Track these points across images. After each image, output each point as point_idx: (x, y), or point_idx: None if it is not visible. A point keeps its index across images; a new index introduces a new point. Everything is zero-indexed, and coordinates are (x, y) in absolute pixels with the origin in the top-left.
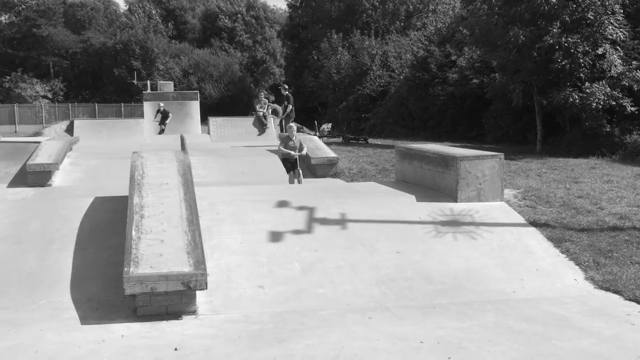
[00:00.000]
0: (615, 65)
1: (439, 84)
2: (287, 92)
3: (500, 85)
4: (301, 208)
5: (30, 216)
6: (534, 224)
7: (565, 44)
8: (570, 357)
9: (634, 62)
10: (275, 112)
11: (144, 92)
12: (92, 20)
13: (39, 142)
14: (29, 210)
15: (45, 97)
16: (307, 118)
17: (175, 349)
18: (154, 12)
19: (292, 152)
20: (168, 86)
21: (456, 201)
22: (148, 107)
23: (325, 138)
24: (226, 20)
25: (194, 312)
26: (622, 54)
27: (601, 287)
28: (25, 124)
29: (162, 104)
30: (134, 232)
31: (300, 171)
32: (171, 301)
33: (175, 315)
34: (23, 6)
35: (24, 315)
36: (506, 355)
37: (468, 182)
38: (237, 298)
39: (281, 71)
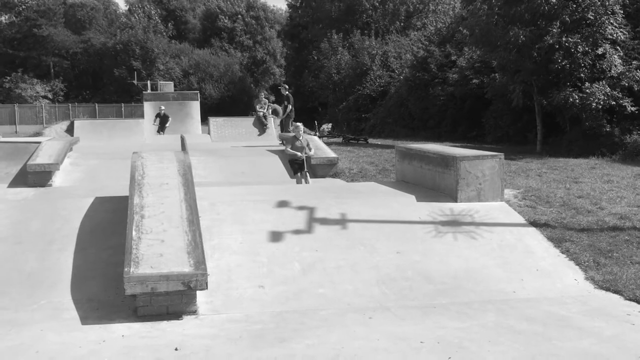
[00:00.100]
0: (615, 65)
1: (439, 84)
2: (287, 92)
3: (500, 85)
4: (301, 208)
5: (30, 216)
6: (534, 224)
7: (566, 44)
8: (571, 357)
9: (634, 62)
10: (275, 112)
11: (144, 92)
12: (92, 21)
13: (39, 143)
14: (30, 211)
15: (45, 97)
16: (307, 118)
17: (176, 349)
18: (153, 12)
19: (299, 154)
20: (168, 86)
21: (456, 201)
22: (148, 108)
23: (325, 138)
24: (226, 21)
25: (194, 312)
26: (622, 54)
27: (601, 287)
28: (25, 124)
29: (163, 107)
30: (134, 232)
31: (308, 173)
32: (172, 301)
33: (176, 315)
34: (23, 6)
35: (24, 316)
36: (506, 355)
37: (468, 182)
38: (238, 298)
39: (281, 71)
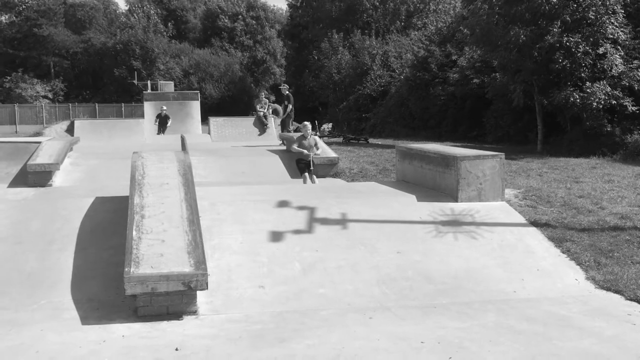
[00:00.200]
0: (616, 65)
1: (439, 83)
2: (287, 92)
3: (501, 85)
4: (302, 208)
5: (31, 216)
6: (534, 223)
7: (566, 44)
8: (571, 357)
9: (634, 62)
10: (275, 112)
11: (144, 92)
12: (92, 20)
13: (39, 142)
14: (30, 211)
15: (45, 97)
16: (308, 118)
17: (176, 349)
18: (152, 12)
19: (306, 151)
20: (168, 86)
21: (457, 201)
22: (149, 107)
23: (325, 138)
24: (226, 20)
25: (194, 312)
26: (622, 53)
27: (602, 287)
28: (25, 124)
29: (164, 107)
30: (134, 232)
31: (315, 175)
32: (172, 301)
33: (176, 315)
34: (24, 6)
35: (24, 316)
36: (507, 355)
37: (469, 182)
38: (238, 298)
39: (282, 71)
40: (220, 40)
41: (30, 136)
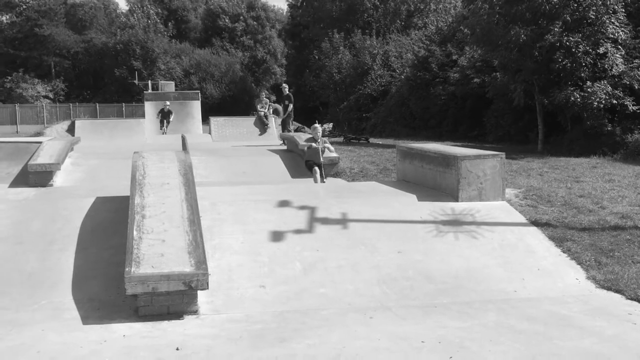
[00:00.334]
0: (617, 64)
1: (440, 83)
2: (287, 92)
3: (501, 84)
4: (302, 208)
5: (31, 216)
6: (535, 223)
7: (567, 43)
8: (572, 356)
9: (635, 61)
10: (276, 112)
11: (145, 92)
12: (93, 20)
13: (40, 142)
14: (31, 211)
15: (46, 97)
16: (308, 118)
17: (177, 349)
18: (151, 11)
19: (314, 144)
20: (169, 86)
21: (457, 200)
22: (149, 107)
23: (326, 138)
24: (227, 20)
25: (195, 312)
26: (623, 52)
27: (603, 287)
28: (26, 124)
29: (168, 103)
30: (135, 232)
31: (324, 173)
32: (173, 301)
33: (177, 315)
34: (24, 6)
35: (25, 316)
36: (507, 354)
37: (469, 182)
38: (239, 298)
39: (282, 71)
40: (221, 40)
41: (31, 136)
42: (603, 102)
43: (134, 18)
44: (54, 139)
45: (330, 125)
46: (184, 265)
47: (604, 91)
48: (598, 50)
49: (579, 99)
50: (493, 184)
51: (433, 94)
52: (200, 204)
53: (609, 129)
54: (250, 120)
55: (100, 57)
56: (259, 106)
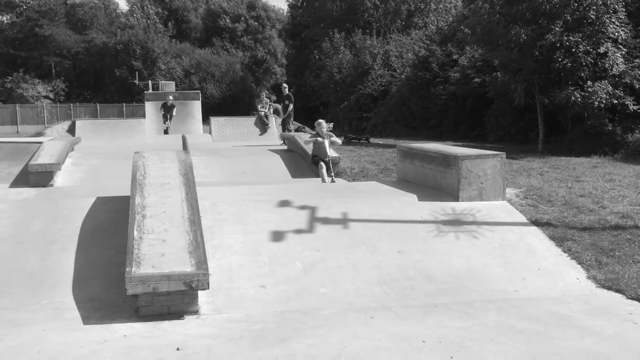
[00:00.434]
0: (617, 64)
1: (440, 83)
2: (287, 92)
3: (502, 84)
4: (303, 207)
5: (32, 216)
6: (535, 223)
7: (567, 43)
8: (572, 356)
9: (635, 61)
10: (277, 112)
11: (145, 92)
12: (93, 20)
13: (40, 143)
14: (31, 211)
15: (47, 97)
16: (309, 117)
17: (178, 349)
18: (151, 11)
19: (319, 139)
20: (170, 86)
21: (458, 200)
22: (150, 107)
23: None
24: (227, 20)
25: (196, 312)
26: (624, 52)
27: (603, 286)
28: (27, 124)
29: (171, 97)
30: (135, 232)
31: (331, 167)
32: (173, 301)
33: (178, 315)
34: (25, 6)
35: (25, 316)
36: (508, 354)
37: (470, 181)
38: (239, 298)
39: (282, 70)
40: (222, 40)
41: (31, 136)
42: (604, 101)
43: (134, 18)
44: (55, 139)
45: (331, 125)
46: (185, 266)
47: (605, 91)
48: (598, 50)
49: (579, 99)
50: (493, 184)
51: (433, 93)
52: (200, 204)
53: (610, 128)
54: (250, 120)
55: (101, 57)
56: (259, 106)
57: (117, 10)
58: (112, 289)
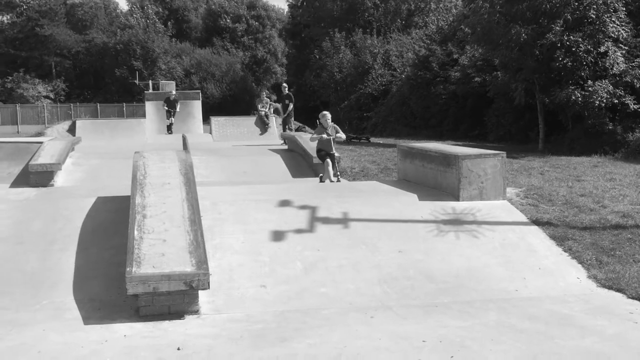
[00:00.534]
0: (618, 63)
1: (440, 82)
2: (288, 92)
3: (502, 83)
4: (303, 207)
5: (32, 216)
6: (536, 222)
7: (567, 42)
8: (573, 355)
9: (636, 60)
10: (277, 112)
11: (145, 92)
12: (93, 20)
13: (41, 142)
14: (32, 211)
15: (47, 97)
16: (309, 117)
17: (178, 349)
18: (151, 11)
19: (325, 135)
20: (170, 86)
21: (458, 200)
22: (150, 107)
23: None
24: (228, 20)
25: (196, 312)
26: (624, 51)
27: (604, 286)
28: (27, 124)
29: (174, 92)
30: (136, 232)
31: (337, 165)
32: (173, 301)
33: (178, 315)
34: (25, 6)
35: (26, 316)
36: (508, 354)
37: (470, 181)
38: (240, 297)
39: (283, 70)
40: (222, 39)
41: (32, 136)
42: (604, 101)
43: (134, 18)
44: (55, 139)
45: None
46: (185, 265)
47: (605, 90)
48: (599, 49)
49: (580, 98)
50: (494, 183)
51: (434, 93)
52: (201, 204)
53: (610, 127)
54: (251, 120)
55: (101, 57)
56: (259, 106)
57: (117, 10)
58: (113, 289)
